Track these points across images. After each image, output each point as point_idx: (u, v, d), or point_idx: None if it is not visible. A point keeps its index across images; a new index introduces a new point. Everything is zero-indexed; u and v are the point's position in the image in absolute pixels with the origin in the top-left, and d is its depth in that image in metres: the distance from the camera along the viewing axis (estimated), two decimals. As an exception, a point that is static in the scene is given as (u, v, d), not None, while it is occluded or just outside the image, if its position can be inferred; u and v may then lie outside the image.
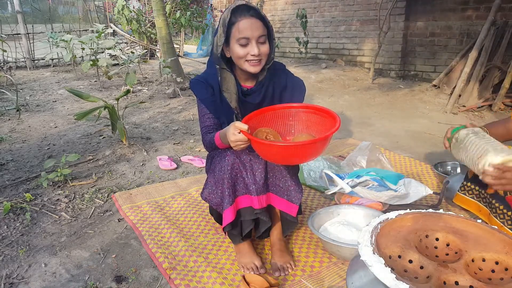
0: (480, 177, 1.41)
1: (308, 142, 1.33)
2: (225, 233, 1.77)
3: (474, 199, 1.64)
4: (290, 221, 1.60)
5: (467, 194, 1.66)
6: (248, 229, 1.54)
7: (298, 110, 1.52)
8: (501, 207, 1.51)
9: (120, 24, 7.40)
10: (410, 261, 0.92)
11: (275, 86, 1.60)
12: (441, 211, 1.05)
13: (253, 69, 1.47)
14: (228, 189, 1.46)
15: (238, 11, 1.43)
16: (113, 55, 6.35)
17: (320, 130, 1.47)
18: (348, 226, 1.73)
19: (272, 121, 1.53)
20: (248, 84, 1.59)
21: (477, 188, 1.62)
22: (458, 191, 1.70)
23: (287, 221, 1.62)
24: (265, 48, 1.46)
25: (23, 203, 2.10)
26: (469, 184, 1.65)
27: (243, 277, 1.41)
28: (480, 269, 0.92)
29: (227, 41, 1.48)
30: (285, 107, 1.53)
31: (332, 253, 1.64)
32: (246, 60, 1.46)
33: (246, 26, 1.41)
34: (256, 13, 1.43)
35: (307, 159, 1.40)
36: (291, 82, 1.63)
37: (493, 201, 1.54)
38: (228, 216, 1.46)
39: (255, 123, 1.48)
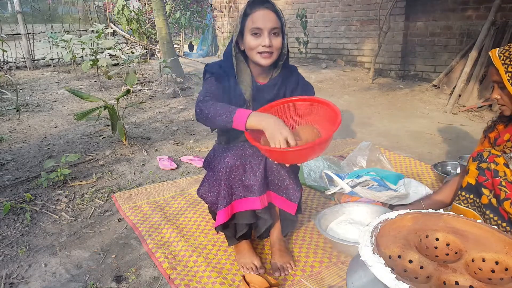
0: None
1: (309, 145, 1.33)
2: (217, 233, 1.77)
3: (469, 207, 1.60)
4: (290, 219, 1.60)
5: (462, 204, 1.61)
6: (241, 232, 1.53)
7: (300, 102, 1.54)
8: (495, 217, 1.47)
9: (120, 24, 7.40)
10: (410, 261, 0.92)
11: (287, 86, 1.63)
12: (441, 211, 1.05)
13: (264, 61, 1.48)
14: (224, 190, 1.45)
15: (254, 3, 1.46)
16: (113, 55, 6.35)
17: (321, 121, 1.49)
18: (355, 224, 1.75)
19: (283, 114, 1.55)
20: (261, 80, 1.61)
21: (471, 196, 1.57)
22: (454, 201, 1.67)
23: (286, 220, 1.62)
24: (277, 41, 1.47)
25: (23, 203, 2.10)
26: (463, 193, 1.60)
27: (243, 277, 1.41)
28: (480, 269, 0.91)
29: (241, 33, 1.50)
30: (285, 102, 1.54)
31: (341, 252, 1.65)
32: (258, 52, 1.47)
33: (259, 17, 1.44)
34: (270, 5, 1.47)
35: (312, 158, 1.42)
36: (302, 84, 1.66)
37: (487, 212, 1.49)
38: (221, 217, 1.46)
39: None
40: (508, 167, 1.49)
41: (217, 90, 1.51)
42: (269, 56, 1.48)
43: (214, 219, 1.73)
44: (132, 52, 6.11)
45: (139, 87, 5.16)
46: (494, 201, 1.49)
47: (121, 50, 5.89)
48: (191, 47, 8.23)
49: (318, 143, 1.30)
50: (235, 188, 1.48)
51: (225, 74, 1.56)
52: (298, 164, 1.47)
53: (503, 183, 1.47)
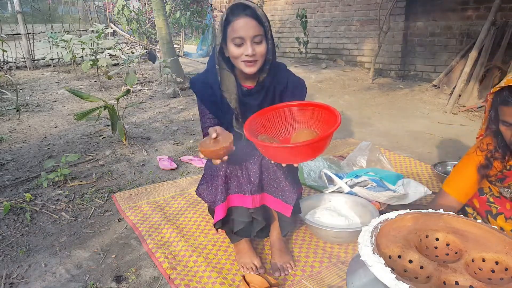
0: None
1: (307, 142, 1.32)
2: (216, 231, 1.77)
3: None
4: (284, 221, 1.59)
5: None
6: (238, 228, 1.52)
7: (299, 107, 1.52)
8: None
9: (120, 24, 7.40)
10: (410, 261, 0.92)
11: (276, 86, 1.59)
12: (441, 211, 1.05)
13: (248, 69, 1.46)
14: (221, 186, 1.46)
15: (235, 10, 1.42)
16: (113, 55, 6.35)
17: (320, 126, 1.47)
18: (331, 211, 1.86)
19: (274, 120, 1.52)
20: (249, 84, 1.58)
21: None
22: None
23: (283, 221, 1.61)
24: (261, 48, 1.44)
25: (23, 203, 2.10)
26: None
27: (243, 277, 1.41)
28: (480, 269, 0.92)
29: (225, 41, 1.47)
30: (285, 106, 1.52)
31: (314, 234, 1.81)
32: (242, 61, 1.45)
33: (240, 26, 1.40)
34: (251, 12, 1.41)
35: (308, 158, 1.39)
36: (292, 82, 1.61)
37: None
38: (219, 213, 1.46)
39: (257, 124, 1.47)
40: (494, 184, 1.49)
41: (209, 120, 1.58)
42: (253, 64, 1.45)
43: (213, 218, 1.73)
44: (132, 52, 6.11)
45: (139, 87, 5.16)
46: (478, 218, 1.51)
47: (121, 50, 5.89)
48: (152, 56, 6.43)
49: (314, 141, 1.29)
50: (230, 183, 1.48)
51: (210, 86, 1.55)
52: (295, 165, 1.43)
53: (491, 199, 1.47)
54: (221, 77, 1.53)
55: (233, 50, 1.44)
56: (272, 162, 1.46)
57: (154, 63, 6.17)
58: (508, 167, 1.45)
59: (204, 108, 1.58)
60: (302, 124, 1.52)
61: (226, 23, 1.44)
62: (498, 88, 1.33)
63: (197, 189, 1.61)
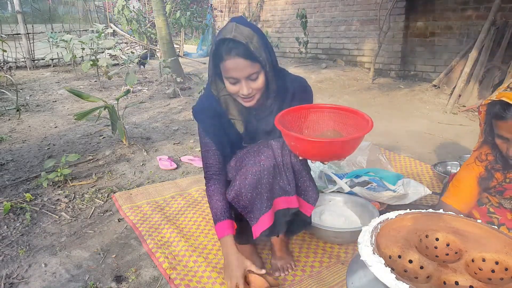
0: None
1: (346, 138, 1.31)
2: (254, 237, 1.65)
3: None
4: (304, 220, 1.57)
5: None
6: (282, 230, 1.50)
7: (328, 111, 1.48)
8: None
9: (120, 24, 7.40)
10: (410, 261, 0.92)
11: (283, 103, 1.51)
12: (441, 211, 1.05)
13: (247, 104, 1.41)
14: (266, 193, 1.41)
15: (223, 47, 1.31)
16: (113, 55, 6.35)
17: (346, 129, 1.45)
18: (331, 211, 1.88)
19: (298, 120, 1.47)
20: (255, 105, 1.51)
21: None
22: None
23: (299, 221, 1.57)
24: (257, 83, 1.36)
25: (23, 203, 2.10)
26: None
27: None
28: (480, 269, 0.91)
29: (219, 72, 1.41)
30: (314, 107, 1.48)
31: (313, 234, 1.81)
32: (239, 96, 1.40)
33: (231, 67, 1.31)
34: (243, 51, 1.29)
35: (340, 157, 1.35)
36: (297, 88, 1.54)
37: None
38: (266, 221, 1.42)
39: (288, 120, 1.43)
40: (493, 196, 1.47)
41: (213, 156, 1.50)
42: (251, 100, 1.40)
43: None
44: (132, 52, 6.11)
45: (139, 87, 5.16)
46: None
47: (121, 50, 5.89)
48: (144, 57, 6.35)
49: (353, 137, 1.29)
50: (273, 188, 1.44)
51: (214, 112, 1.48)
52: (325, 163, 1.39)
53: (491, 209, 1.46)
54: (224, 103, 1.48)
55: (229, 87, 1.38)
56: (299, 160, 1.43)
57: (146, 63, 6.17)
58: (508, 180, 1.41)
59: (207, 141, 1.50)
60: (327, 126, 1.48)
61: (217, 59, 1.34)
62: (489, 101, 1.28)
63: (228, 193, 1.48)
